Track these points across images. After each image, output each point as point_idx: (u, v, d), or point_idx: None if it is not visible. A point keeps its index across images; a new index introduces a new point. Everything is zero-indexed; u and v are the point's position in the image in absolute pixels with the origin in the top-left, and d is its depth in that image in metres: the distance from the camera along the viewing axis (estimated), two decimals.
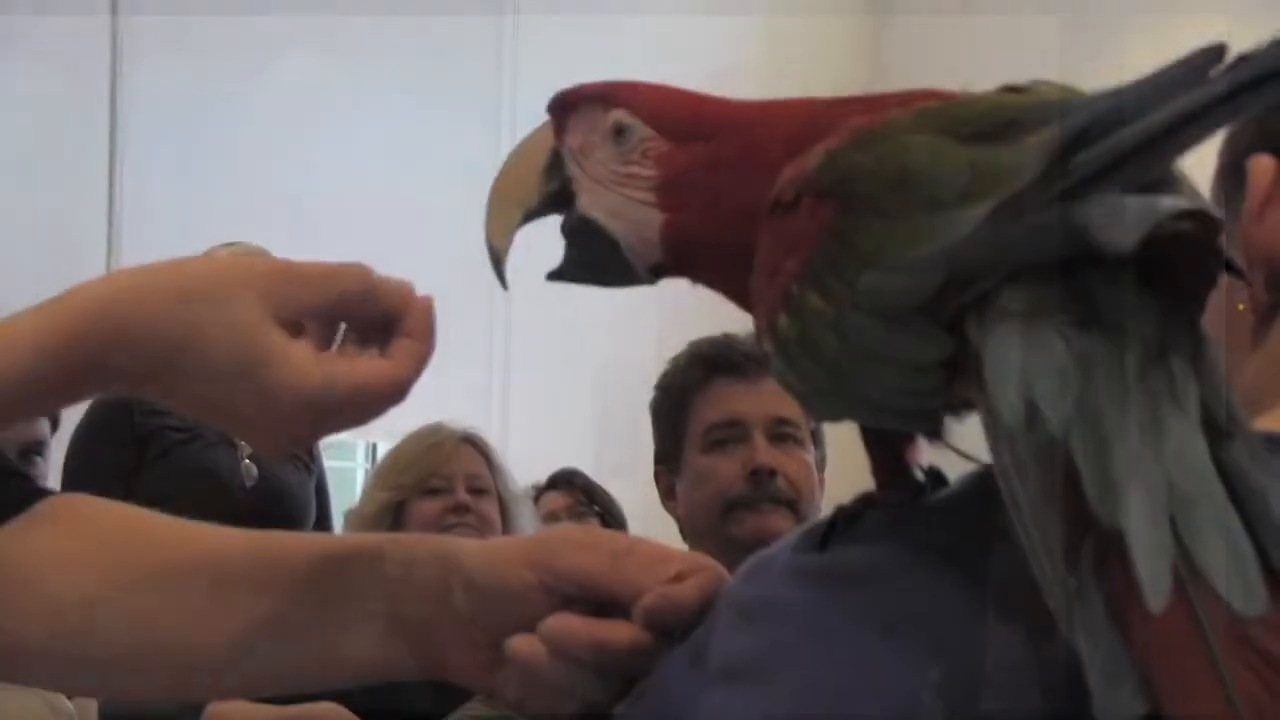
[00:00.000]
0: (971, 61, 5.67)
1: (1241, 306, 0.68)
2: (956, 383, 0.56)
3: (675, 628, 0.69)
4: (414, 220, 4.99)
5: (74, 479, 3.12)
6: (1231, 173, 0.71)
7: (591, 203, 0.71)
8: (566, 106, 0.72)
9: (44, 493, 0.85)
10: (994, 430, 0.53)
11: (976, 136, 0.56)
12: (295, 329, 0.74)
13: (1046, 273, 0.53)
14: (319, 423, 0.75)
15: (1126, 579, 0.48)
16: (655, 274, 0.72)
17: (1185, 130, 0.51)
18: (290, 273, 0.75)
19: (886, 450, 0.65)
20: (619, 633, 0.71)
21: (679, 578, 0.71)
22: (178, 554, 0.83)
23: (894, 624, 0.57)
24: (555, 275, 0.74)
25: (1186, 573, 0.47)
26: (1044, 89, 0.60)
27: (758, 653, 0.60)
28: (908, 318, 0.55)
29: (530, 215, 0.73)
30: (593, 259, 0.72)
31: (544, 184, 0.72)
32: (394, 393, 0.75)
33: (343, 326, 0.77)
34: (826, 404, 0.62)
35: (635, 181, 0.70)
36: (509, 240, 0.74)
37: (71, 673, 0.87)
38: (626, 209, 0.70)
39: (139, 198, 4.41)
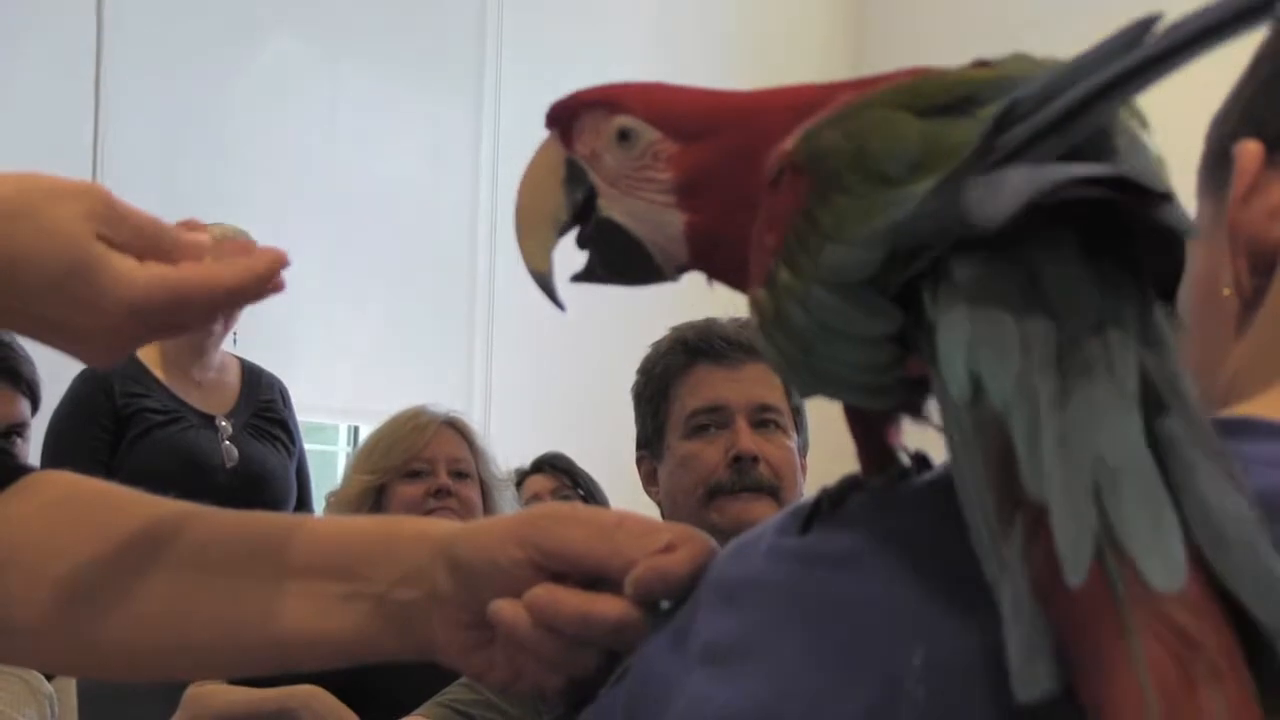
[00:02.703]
0: (956, 29, 5.69)
1: (1227, 292, 0.68)
2: (911, 359, 0.56)
3: (666, 599, 0.69)
4: (396, 203, 4.98)
5: (54, 459, 3.12)
6: (1217, 158, 0.71)
7: (611, 206, 0.71)
8: (568, 115, 0.71)
9: (26, 469, 0.85)
10: (944, 403, 0.54)
11: (934, 110, 0.57)
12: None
13: (995, 247, 0.53)
14: (146, 326, 0.76)
15: (1051, 553, 0.47)
16: (680, 271, 0.72)
17: (1100, 102, 0.51)
18: (112, 201, 0.76)
19: (870, 433, 0.65)
20: (607, 606, 0.71)
21: (669, 548, 0.71)
22: (158, 531, 0.83)
23: (876, 608, 0.57)
24: (580, 277, 0.74)
25: (1109, 547, 0.47)
26: (1012, 64, 0.60)
27: (740, 635, 0.60)
28: (859, 291, 0.56)
29: (564, 230, 0.73)
30: (618, 260, 0.72)
31: (569, 196, 0.72)
32: (218, 293, 0.76)
33: None
34: (801, 379, 0.62)
35: (651, 185, 0.70)
36: (550, 261, 0.73)
37: (52, 651, 0.86)
38: (647, 212, 0.70)
39: (120, 180, 4.39)
